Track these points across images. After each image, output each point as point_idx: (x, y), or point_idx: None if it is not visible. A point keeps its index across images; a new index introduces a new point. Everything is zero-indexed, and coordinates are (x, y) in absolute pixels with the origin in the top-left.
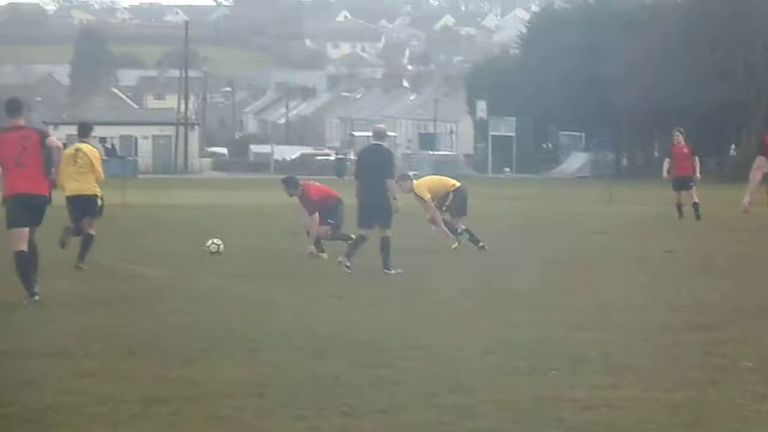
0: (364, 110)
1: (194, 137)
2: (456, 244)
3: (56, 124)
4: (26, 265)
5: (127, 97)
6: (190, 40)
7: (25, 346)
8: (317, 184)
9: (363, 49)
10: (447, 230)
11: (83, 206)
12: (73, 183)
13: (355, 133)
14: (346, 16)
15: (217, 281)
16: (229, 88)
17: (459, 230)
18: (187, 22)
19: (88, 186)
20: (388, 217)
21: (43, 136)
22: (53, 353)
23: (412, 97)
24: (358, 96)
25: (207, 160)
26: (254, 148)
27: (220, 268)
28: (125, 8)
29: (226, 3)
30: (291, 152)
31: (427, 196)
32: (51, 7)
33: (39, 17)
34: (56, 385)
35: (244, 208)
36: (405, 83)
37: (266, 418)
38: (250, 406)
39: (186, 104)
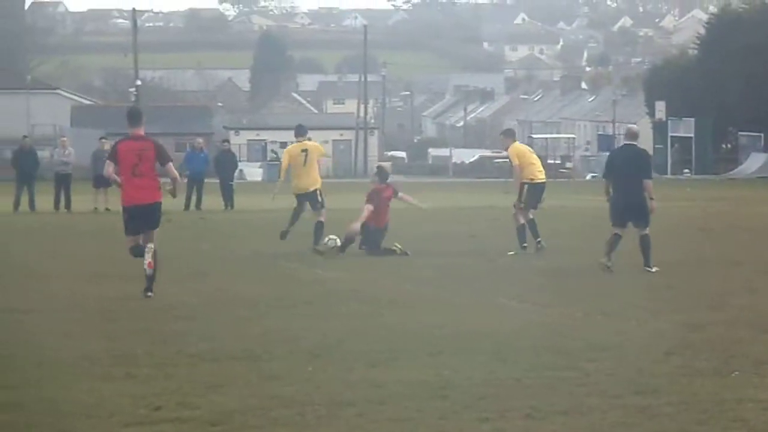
0: (542, 112)
1: (373, 141)
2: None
3: (237, 129)
4: (139, 253)
5: (307, 101)
6: (369, 45)
7: (212, 350)
8: None
9: (541, 52)
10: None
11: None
12: (301, 180)
13: (534, 136)
14: (524, 19)
15: (397, 283)
16: (407, 92)
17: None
18: (365, 27)
19: (312, 182)
20: (646, 216)
21: (159, 152)
22: (239, 356)
23: (590, 99)
24: (536, 98)
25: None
26: (433, 151)
27: (400, 270)
28: (304, 13)
29: (405, 7)
30: (469, 155)
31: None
32: (231, 13)
33: (219, 23)
34: (242, 388)
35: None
36: (583, 85)
37: (450, 419)
38: (433, 408)
39: (365, 108)
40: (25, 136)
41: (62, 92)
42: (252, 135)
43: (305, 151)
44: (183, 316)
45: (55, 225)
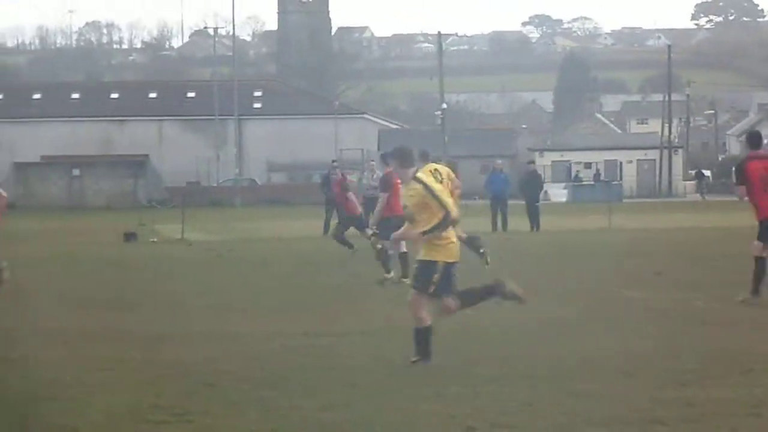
0: None
1: (678, 160)
2: None
3: (541, 150)
4: None
5: (610, 121)
6: (673, 64)
7: (523, 369)
8: None
9: None
10: None
11: None
12: None
13: None
14: None
15: (707, 302)
16: (711, 111)
17: None
18: (669, 46)
19: None
20: None
21: None
22: (547, 376)
23: None
24: None
25: (691, 183)
26: None
27: (710, 290)
28: (607, 33)
29: (707, 26)
30: None
31: None
32: (534, 35)
33: (523, 45)
34: (552, 406)
35: (718, 229)
36: None
37: None
38: (747, 426)
39: (669, 128)
40: (334, 161)
41: (369, 117)
42: (556, 156)
43: None
44: (490, 337)
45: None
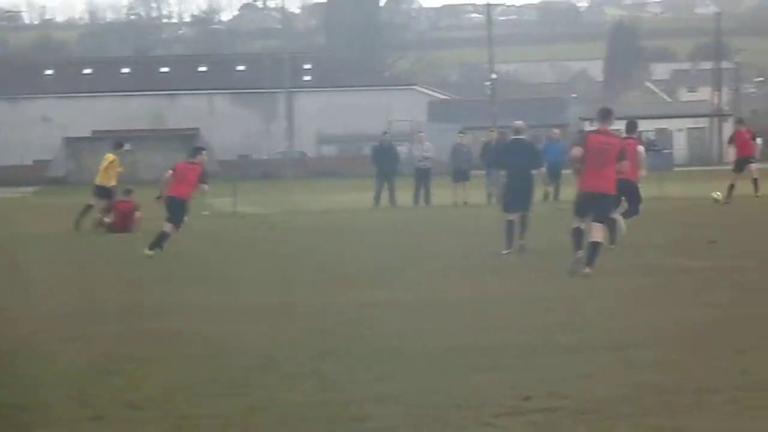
0: None
1: (728, 128)
2: None
3: (592, 120)
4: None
5: (660, 90)
6: (722, 31)
7: (580, 339)
8: None
9: None
10: None
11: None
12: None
13: None
14: None
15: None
16: (761, 78)
17: None
18: (718, 14)
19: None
20: None
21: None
22: (605, 346)
23: None
24: None
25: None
26: None
27: (756, 256)
28: (656, 2)
29: None
30: None
31: None
32: (583, 4)
33: (572, 14)
34: (610, 377)
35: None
36: None
37: None
38: None
39: (719, 96)
40: (384, 133)
41: (418, 88)
42: (617, 125)
43: None
44: (547, 308)
45: (415, 219)
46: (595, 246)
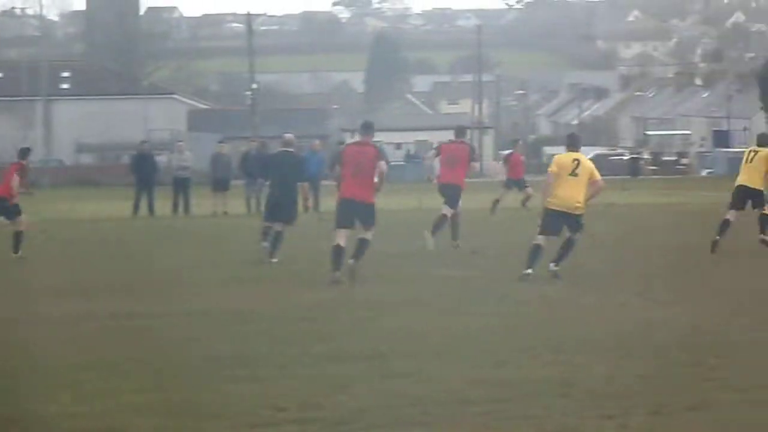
0: (656, 109)
1: (488, 141)
2: None
3: (352, 131)
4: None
5: (421, 102)
6: (483, 44)
7: (338, 349)
8: None
9: (654, 49)
10: None
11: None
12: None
13: (649, 132)
14: (636, 16)
15: (531, 284)
16: (522, 91)
17: None
18: (479, 27)
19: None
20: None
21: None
22: (363, 356)
23: (704, 95)
24: (651, 95)
25: (501, 163)
26: (548, 149)
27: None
28: (418, 14)
29: (518, 6)
30: (585, 153)
31: None
32: (344, 15)
33: (333, 25)
34: (367, 387)
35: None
36: (697, 81)
37: (574, 416)
38: (558, 405)
39: (480, 108)
40: (143, 142)
41: (178, 97)
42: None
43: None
44: (305, 318)
45: (174, 228)
46: (362, 241)
